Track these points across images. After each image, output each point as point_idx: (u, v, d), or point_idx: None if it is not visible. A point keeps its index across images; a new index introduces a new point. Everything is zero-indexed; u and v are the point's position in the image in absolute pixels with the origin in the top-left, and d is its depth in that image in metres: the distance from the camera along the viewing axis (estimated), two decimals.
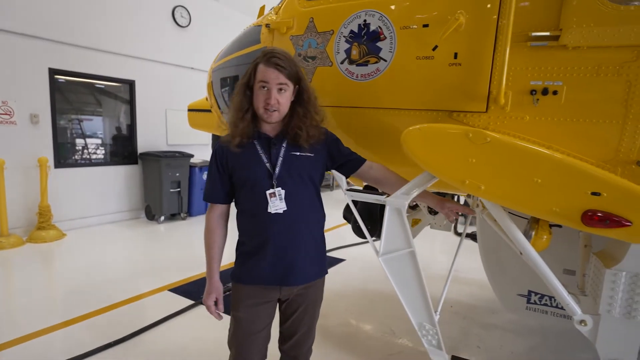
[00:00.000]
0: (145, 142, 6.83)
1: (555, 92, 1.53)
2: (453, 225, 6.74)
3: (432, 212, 2.79)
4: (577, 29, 1.44)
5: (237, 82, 1.63)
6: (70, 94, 6.07)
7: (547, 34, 1.50)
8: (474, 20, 1.61)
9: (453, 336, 3.04)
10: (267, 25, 2.21)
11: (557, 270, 2.11)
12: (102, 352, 2.71)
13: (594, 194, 1.26)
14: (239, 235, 1.67)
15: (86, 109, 6.39)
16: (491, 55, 1.60)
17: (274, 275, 1.60)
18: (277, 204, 1.57)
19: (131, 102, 6.64)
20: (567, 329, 3.28)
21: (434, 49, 1.71)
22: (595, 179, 1.27)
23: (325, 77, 2.01)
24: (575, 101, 1.52)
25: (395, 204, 1.63)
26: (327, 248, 5.28)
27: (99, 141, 6.52)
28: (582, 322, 1.48)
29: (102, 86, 6.45)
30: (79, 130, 6.25)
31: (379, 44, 1.83)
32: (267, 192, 1.55)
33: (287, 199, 1.57)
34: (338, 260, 4.84)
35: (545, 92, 1.54)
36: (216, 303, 1.68)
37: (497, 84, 1.58)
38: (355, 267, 4.68)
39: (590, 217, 1.25)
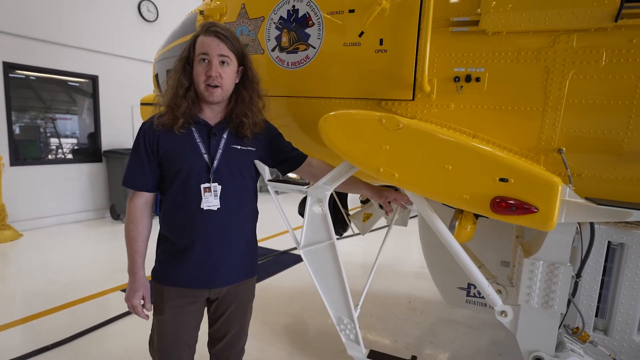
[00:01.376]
0: (110, 139, 6.64)
1: (477, 79, 1.50)
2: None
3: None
4: (494, 13, 1.41)
5: (181, 56, 1.45)
6: (29, 90, 5.85)
7: (467, 19, 1.47)
8: (398, 4, 1.57)
9: (407, 331, 3.02)
10: (201, 12, 2.13)
11: (494, 262, 2.10)
12: (51, 350, 2.64)
13: (502, 180, 1.22)
14: (162, 229, 1.52)
15: (46, 105, 6.16)
16: (415, 41, 1.56)
17: (202, 277, 1.49)
18: (210, 200, 1.45)
19: (94, 98, 6.44)
20: None
21: (360, 35, 1.66)
22: (503, 165, 1.24)
23: (258, 65, 1.92)
24: (497, 88, 1.49)
25: (317, 194, 1.57)
26: (291, 246, 4.97)
27: (60, 139, 6.31)
28: (502, 312, 1.45)
29: (64, 81, 6.24)
30: (38, 127, 6.03)
31: (307, 30, 1.78)
32: (202, 186, 1.43)
33: (222, 196, 1.46)
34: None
35: (468, 79, 1.51)
36: (143, 302, 1.52)
37: (421, 71, 1.53)
38: None
39: (498, 204, 1.21)
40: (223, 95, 1.45)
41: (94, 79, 6.40)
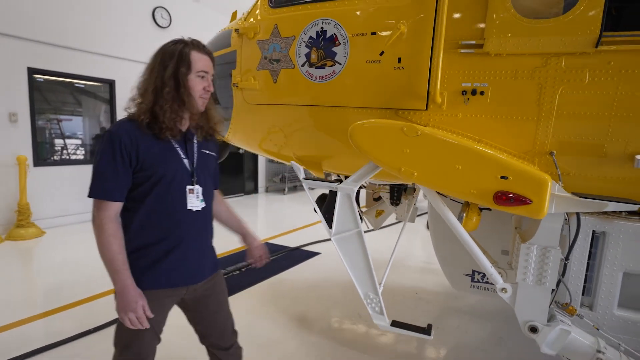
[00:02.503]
0: None
1: (482, 93, 1.78)
2: (427, 221, 6.97)
3: (394, 203, 3.02)
4: (497, 38, 1.69)
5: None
6: (50, 93, 6.13)
7: (474, 42, 1.75)
8: (414, 29, 1.85)
9: (415, 318, 3.29)
10: (236, 30, 2.41)
11: (496, 251, 2.37)
12: (80, 339, 2.83)
13: (502, 177, 1.50)
14: (138, 238, 1.48)
15: (66, 108, 6.45)
16: (429, 60, 1.84)
17: (184, 275, 1.55)
18: (194, 201, 1.53)
19: (111, 102, 6.72)
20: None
21: (381, 54, 1.93)
22: (503, 166, 1.51)
23: (289, 78, 2.21)
24: (499, 101, 1.76)
25: (346, 190, 1.85)
26: (304, 242, 5.52)
27: (78, 141, 6.59)
28: (503, 289, 1.72)
29: (82, 86, 6.52)
30: (58, 130, 6.31)
31: (334, 49, 2.05)
32: (187, 188, 1.51)
33: (203, 196, 1.56)
34: (315, 254, 5.05)
35: (474, 92, 1.79)
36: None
37: (434, 85, 1.81)
38: (329, 260, 4.89)
39: (499, 197, 1.48)
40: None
41: (110, 83, 6.68)
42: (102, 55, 6.47)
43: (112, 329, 2.87)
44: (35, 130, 5.74)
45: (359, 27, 1.98)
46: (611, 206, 1.49)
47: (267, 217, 7.18)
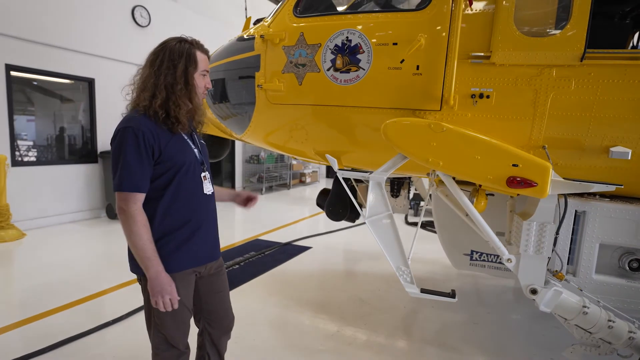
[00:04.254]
0: (105, 140, 6.81)
1: (488, 97, 2.12)
2: (404, 215, 7.45)
3: (394, 195, 3.34)
4: (501, 51, 2.03)
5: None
6: (29, 91, 5.94)
7: (482, 54, 2.09)
8: (431, 42, 2.16)
9: (409, 299, 3.63)
10: (261, 36, 2.62)
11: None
12: (61, 347, 2.69)
13: (514, 165, 1.84)
14: (163, 225, 1.57)
15: (45, 106, 6.26)
16: (443, 68, 2.16)
17: (206, 253, 1.71)
18: (208, 186, 1.71)
19: (91, 101, 6.60)
20: (501, 295, 4.03)
21: (401, 62, 2.23)
22: (515, 156, 1.86)
23: (314, 81, 2.46)
24: (501, 103, 2.11)
25: (377, 179, 2.13)
26: (297, 237, 5.85)
27: (58, 140, 6.41)
28: (508, 260, 2.07)
29: (62, 83, 6.36)
30: (38, 128, 6.12)
31: (359, 56, 2.33)
32: (201, 175, 1.68)
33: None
34: (306, 248, 5.29)
35: (481, 96, 2.13)
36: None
37: (448, 89, 2.13)
38: (322, 253, 5.16)
39: (511, 181, 1.82)
40: None
41: (90, 82, 6.56)
42: (82, 53, 6.35)
43: (101, 334, 2.86)
44: (13, 129, 5.56)
45: (382, 38, 2.27)
46: (595, 187, 1.87)
47: (248, 216, 7.32)
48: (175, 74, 1.56)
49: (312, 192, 11.33)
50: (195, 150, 1.69)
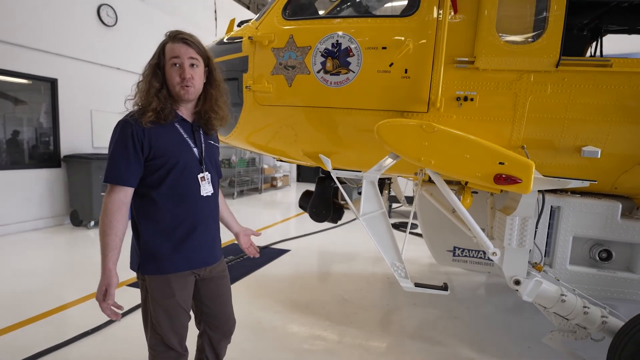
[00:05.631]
0: (68, 144, 6.48)
1: (472, 99, 2.25)
2: None
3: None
4: (484, 57, 2.16)
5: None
6: None
7: (467, 59, 2.21)
8: (419, 47, 2.26)
9: (392, 295, 3.73)
10: (249, 38, 2.63)
11: None
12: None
13: (500, 163, 1.96)
14: (158, 224, 1.57)
15: (2, 108, 5.87)
16: (430, 72, 2.26)
17: (202, 257, 1.67)
18: (206, 187, 1.65)
19: (53, 102, 6.26)
20: (475, 291, 4.20)
21: (390, 65, 2.32)
22: (501, 154, 1.98)
23: (304, 83, 2.50)
24: (484, 106, 2.24)
25: (370, 178, 2.20)
26: (274, 241, 5.83)
27: (17, 143, 6.02)
28: (493, 253, 2.20)
29: (21, 84, 5.99)
30: None
31: (348, 59, 2.39)
32: (199, 176, 1.62)
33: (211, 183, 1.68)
34: (285, 251, 5.28)
35: (465, 99, 2.25)
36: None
37: (434, 92, 2.23)
38: (300, 256, 5.17)
39: (498, 178, 1.94)
40: (196, 93, 1.61)
41: (52, 82, 6.23)
42: (43, 52, 6.02)
43: (68, 349, 2.62)
44: None
45: (372, 42, 2.35)
46: (573, 184, 2.02)
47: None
48: (149, 69, 1.58)
49: (283, 196, 11.31)
50: (195, 149, 1.64)
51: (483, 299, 3.94)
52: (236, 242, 2.00)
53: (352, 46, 2.37)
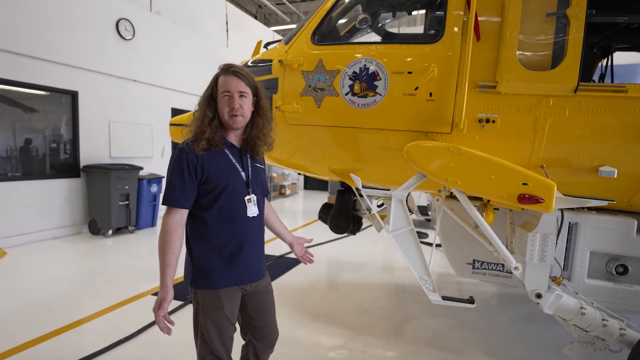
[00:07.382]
0: (87, 154, 6.65)
1: (493, 121, 2.38)
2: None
3: None
4: (506, 82, 2.29)
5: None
6: (8, 104, 5.74)
7: (489, 84, 2.34)
8: (443, 72, 2.40)
9: (407, 305, 3.83)
10: (280, 61, 2.77)
11: None
12: None
13: (524, 184, 2.08)
14: (209, 242, 1.70)
15: (25, 120, 6.06)
16: (454, 96, 2.40)
17: (250, 273, 1.79)
18: (252, 208, 1.76)
19: (74, 114, 6.45)
20: (488, 301, 4.29)
21: (415, 89, 2.45)
22: (525, 175, 2.10)
23: (332, 104, 2.64)
24: (505, 127, 2.37)
25: (399, 196, 2.33)
26: (285, 250, 5.86)
27: (38, 154, 6.20)
28: (516, 267, 2.31)
29: (43, 96, 6.18)
30: (16, 143, 5.90)
31: (375, 82, 2.53)
32: (245, 198, 1.74)
33: (257, 204, 1.80)
34: (298, 261, 5.38)
35: (487, 121, 2.38)
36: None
37: (458, 114, 2.37)
38: (313, 265, 5.26)
39: (522, 198, 2.06)
40: (244, 122, 1.74)
41: (73, 95, 6.42)
42: (65, 66, 6.22)
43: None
44: None
45: (398, 67, 2.49)
46: (592, 203, 2.14)
47: None
48: (203, 100, 1.73)
49: (291, 204, 11.43)
50: (243, 173, 1.77)
51: (497, 309, 4.03)
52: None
53: (379, 70, 2.51)
